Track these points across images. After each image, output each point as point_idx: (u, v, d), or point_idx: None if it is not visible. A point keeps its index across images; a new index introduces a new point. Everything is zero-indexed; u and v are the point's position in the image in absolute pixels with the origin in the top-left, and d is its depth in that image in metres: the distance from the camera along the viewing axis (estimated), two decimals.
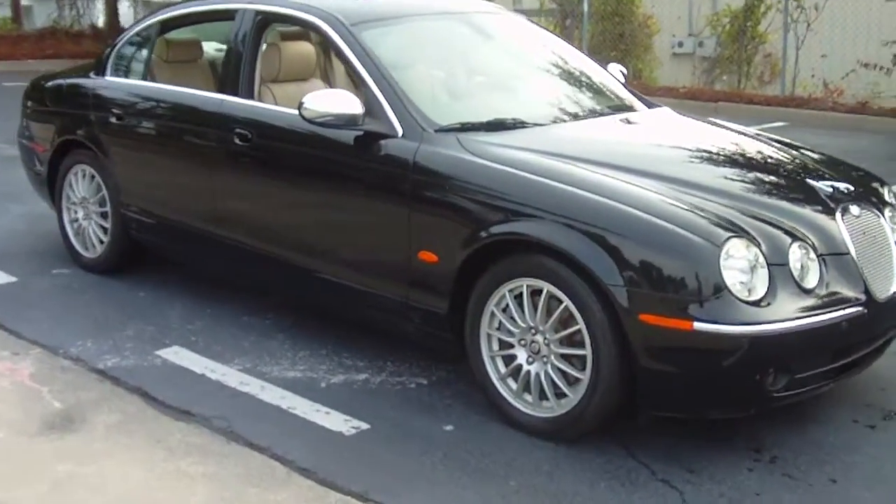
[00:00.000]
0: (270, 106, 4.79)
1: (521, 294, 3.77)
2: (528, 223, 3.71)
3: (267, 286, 5.11)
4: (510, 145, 4.07)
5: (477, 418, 3.99)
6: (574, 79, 5.07)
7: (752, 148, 4.54)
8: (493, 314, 3.86)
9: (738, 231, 3.54)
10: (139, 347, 4.69)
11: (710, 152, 4.37)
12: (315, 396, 4.17)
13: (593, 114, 4.64)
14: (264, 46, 5.00)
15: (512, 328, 3.82)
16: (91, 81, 5.74)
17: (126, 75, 5.71)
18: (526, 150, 4.03)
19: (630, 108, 4.85)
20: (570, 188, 3.71)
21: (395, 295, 4.19)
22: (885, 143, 10.65)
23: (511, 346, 3.85)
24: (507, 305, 3.82)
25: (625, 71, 5.49)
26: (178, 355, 4.61)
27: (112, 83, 5.67)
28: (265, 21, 4.96)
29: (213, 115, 4.89)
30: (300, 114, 4.22)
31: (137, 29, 5.71)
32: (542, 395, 3.79)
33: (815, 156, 4.59)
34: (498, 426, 3.91)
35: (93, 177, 5.68)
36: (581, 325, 3.61)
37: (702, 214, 3.59)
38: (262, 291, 5.27)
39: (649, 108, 4.96)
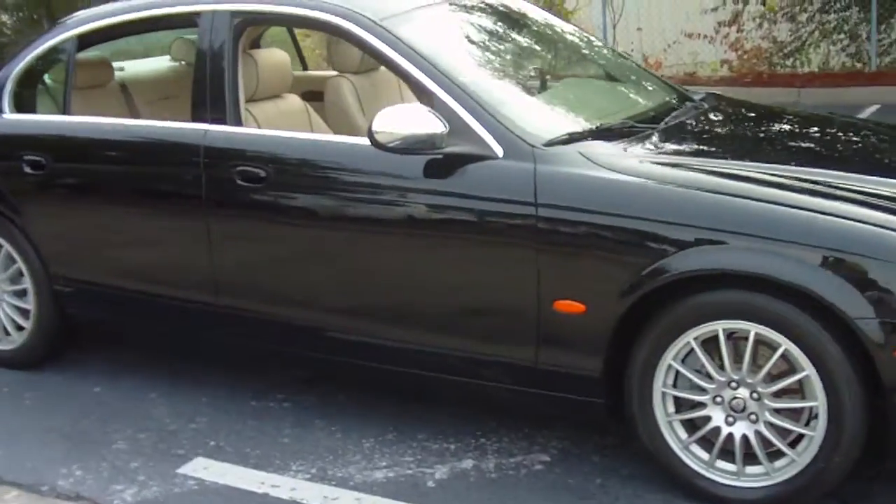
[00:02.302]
0: (296, 133, 3.77)
1: (710, 340, 3.03)
2: (725, 253, 2.96)
3: (301, 362, 4.04)
4: (646, 157, 3.31)
5: (652, 498, 3.21)
6: (625, 69, 4.34)
7: (850, 128, 4.03)
8: (669, 368, 3.09)
9: None
10: (150, 466, 3.57)
11: (842, 140, 3.80)
12: (434, 502, 3.25)
13: (682, 109, 3.91)
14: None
15: (703, 384, 3.07)
16: None
17: (34, 110, 4.46)
18: (670, 161, 3.28)
19: (691, 98, 4.17)
20: (775, 206, 2.98)
21: (513, 358, 3.33)
22: None
23: (699, 405, 3.10)
24: (689, 355, 3.07)
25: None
26: (210, 470, 3.53)
27: (19, 122, 4.40)
28: (246, 24, 3.92)
29: (194, 150, 3.80)
30: (373, 139, 3.28)
31: (43, 48, 4.39)
32: (749, 460, 3.07)
33: None
34: None
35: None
36: (809, 370, 2.90)
37: None
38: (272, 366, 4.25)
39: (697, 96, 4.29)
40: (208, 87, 3.85)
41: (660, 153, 3.37)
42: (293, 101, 4.37)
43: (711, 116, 3.90)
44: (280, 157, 3.66)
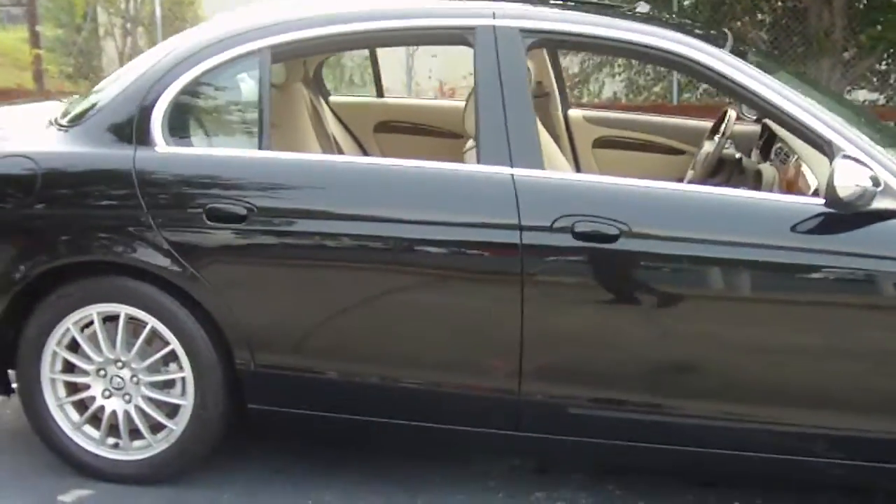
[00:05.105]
0: (665, 183, 3.15)
1: None
2: None
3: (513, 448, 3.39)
4: None
5: None
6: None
7: None
8: None
9: None
10: None
11: None
12: None
13: None
14: None
15: None
16: (129, 157, 3.24)
17: (191, 142, 3.41)
18: None
19: None
20: None
21: None
22: None
23: None
24: None
25: None
26: None
27: (192, 158, 3.31)
28: (538, 46, 3.39)
29: (500, 200, 3.06)
30: (833, 195, 2.82)
31: (216, 59, 3.28)
32: None
33: None
34: None
35: (136, 324, 3.33)
36: None
37: None
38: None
39: None
40: (505, 122, 3.11)
41: None
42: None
43: None
44: (648, 211, 3.03)
